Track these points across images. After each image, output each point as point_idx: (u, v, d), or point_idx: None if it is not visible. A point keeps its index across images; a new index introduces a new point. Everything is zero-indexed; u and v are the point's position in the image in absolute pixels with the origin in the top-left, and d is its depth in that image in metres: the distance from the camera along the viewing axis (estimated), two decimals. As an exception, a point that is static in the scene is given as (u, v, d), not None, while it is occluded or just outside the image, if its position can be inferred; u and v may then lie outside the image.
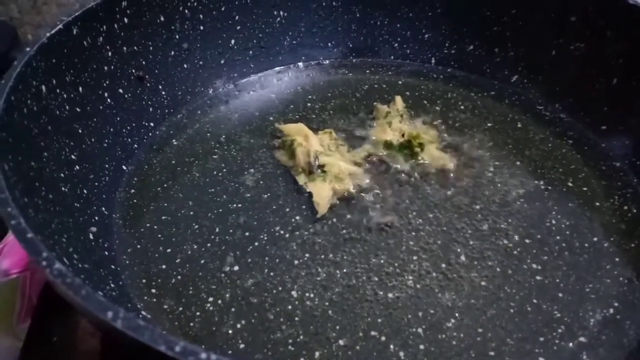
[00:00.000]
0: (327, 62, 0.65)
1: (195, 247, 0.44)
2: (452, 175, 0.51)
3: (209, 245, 0.44)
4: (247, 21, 0.61)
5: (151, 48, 0.54)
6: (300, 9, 0.63)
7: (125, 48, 0.51)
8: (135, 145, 0.53)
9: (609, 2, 0.54)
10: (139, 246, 0.44)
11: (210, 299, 0.40)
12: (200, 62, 0.59)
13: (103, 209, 0.45)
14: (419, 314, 0.40)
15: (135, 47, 0.52)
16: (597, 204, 0.49)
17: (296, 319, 0.39)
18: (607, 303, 0.41)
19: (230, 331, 0.38)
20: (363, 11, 0.64)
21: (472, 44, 0.63)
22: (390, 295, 0.41)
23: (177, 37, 0.56)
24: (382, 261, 0.43)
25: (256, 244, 0.44)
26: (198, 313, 0.40)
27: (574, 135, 0.56)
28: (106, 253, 0.43)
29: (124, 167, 0.50)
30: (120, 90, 0.51)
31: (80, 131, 0.46)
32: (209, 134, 0.55)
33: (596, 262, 0.44)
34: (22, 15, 0.76)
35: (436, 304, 0.40)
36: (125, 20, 0.50)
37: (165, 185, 0.50)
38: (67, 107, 0.44)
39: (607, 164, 0.52)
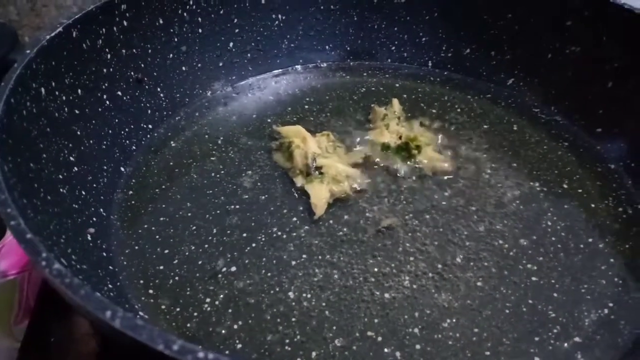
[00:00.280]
0: (325, 65, 0.66)
1: (193, 248, 0.44)
2: (448, 177, 0.51)
3: (206, 246, 0.45)
4: (246, 24, 0.61)
5: (150, 51, 0.54)
6: (298, 13, 0.63)
7: (124, 51, 0.52)
8: (134, 147, 0.53)
9: (605, 6, 0.54)
10: (136, 247, 0.44)
11: (208, 300, 0.41)
12: (199, 65, 0.59)
13: (101, 210, 0.46)
14: (415, 315, 0.40)
15: (134, 50, 0.53)
16: (592, 205, 0.49)
17: (293, 319, 0.39)
18: (602, 303, 0.41)
19: (227, 331, 0.39)
20: (361, 15, 0.65)
21: (468, 48, 0.64)
22: (386, 295, 0.41)
23: (175, 40, 0.57)
24: (378, 262, 0.43)
25: (253, 245, 0.45)
26: (195, 313, 0.40)
27: (569, 137, 0.56)
28: (104, 254, 0.43)
29: (122, 169, 0.51)
30: (119, 93, 0.52)
31: (79, 133, 0.46)
32: (207, 136, 0.55)
33: (591, 262, 0.44)
34: (21, 18, 0.76)
35: (432, 304, 0.41)
36: (125, 23, 0.51)
37: (163, 187, 0.50)
38: (66, 109, 0.44)
39: (602, 166, 0.53)
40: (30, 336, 0.43)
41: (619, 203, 0.49)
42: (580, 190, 0.50)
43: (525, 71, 0.61)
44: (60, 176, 0.42)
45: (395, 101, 0.58)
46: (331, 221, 0.47)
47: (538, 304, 0.41)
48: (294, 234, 0.45)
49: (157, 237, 0.45)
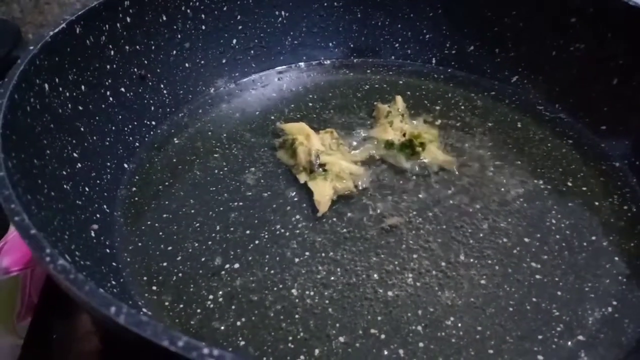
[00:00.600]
0: (328, 62, 0.66)
1: (196, 244, 0.44)
2: (452, 174, 0.51)
3: (209, 243, 0.45)
4: (249, 21, 0.61)
5: (153, 47, 0.54)
6: (301, 9, 0.63)
7: (127, 47, 0.51)
8: (137, 144, 0.53)
9: (609, 3, 0.54)
10: (140, 244, 0.44)
11: (211, 297, 0.41)
12: (202, 62, 0.59)
13: (105, 206, 0.46)
14: (419, 312, 0.40)
15: (137, 46, 0.53)
16: (597, 203, 0.49)
17: (296, 316, 0.39)
18: (606, 302, 0.41)
19: (230, 328, 0.39)
20: (364, 11, 0.65)
21: (472, 45, 0.64)
22: (390, 293, 0.41)
23: (179, 36, 0.57)
24: (382, 259, 0.43)
25: (256, 242, 0.45)
26: (199, 310, 0.40)
27: (573, 135, 0.56)
28: (107, 250, 0.43)
29: (126, 165, 0.51)
30: (123, 89, 0.52)
31: (82, 129, 0.46)
32: (210, 133, 0.55)
33: (595, 261, 0.44)
34: (25, 15, 0.76)
35: (436, 302, 0.40)
36: (128, 19, 0.51)
37: (166, 184, 0.50)
38: (69, 106, 0.44)
39: (606, 164, 0.53)
40: (32, 333, 0.43)
41: (623, 201, 0.49)
42: (584, 188, 0.50)
43: (530, 68, 0.61)
44: (64, 172, 0.42)
45: (398, 98, 0.58)
46: (334, 218, 0.47)
47: (542, 302, 0.41)
48: (297, 231, 0.45)
49: (161, 233, 0.45)
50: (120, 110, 0.51)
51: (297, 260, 0.43)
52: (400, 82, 0.63)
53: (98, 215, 0.44)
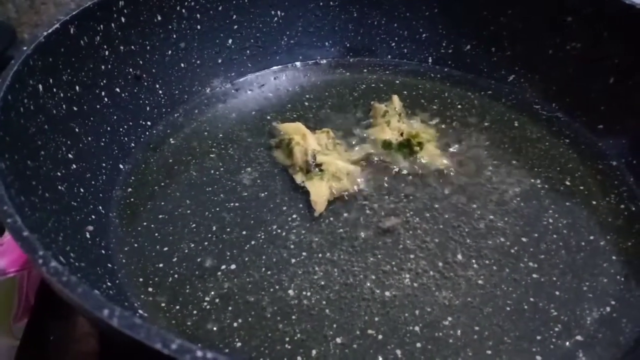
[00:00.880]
0: (325, 61, 0.65)
1: (192, 245, 0.44)
2: (449, 174, 0.51)
3: (205, 243, 0.44)
4: (245, 20, 0.61)
5: (148, 47, 0.54)
6: (297, 9, 0.63)
7: (122, 47, 0.51)
8: (132, 144, 0.53)
9: (606, 2, 0.54)
10: (135, 245, 0.44)
11: (207, 298, 0.40)
12: (198, 62, 0.59)
13: (100, 207, 0.45)
14: (416, 313, 0.40)
15: (132, 47, 0.52)
16: (594, 202, 0.49)
17: (293, 317, 0.39)
18: (604, 301, 0.41)
19: (226, 329, 0.38)
20: (360, 11, 0.65)
21: (469, 44, 0.64)
22: (387, 293, 0.41)
23: (174, 36, 0.56)
24: (379, 260, 0.43)
25: (253, 242, 0.44)
26: (195, 311, 0.40)
27: (570, 134, 0.56)
28: (103, 252, 0.43)
29: (121, 166, 0.50)
30: (118, 90, 0.51)
31: (77, 130, 0.46)
32: (206, 133, 0.55)
33: (593, 260, 0.44)
34: (20, 15, 0.76)
35: (433, 302, 0.40)
36: (123, 19, 0.50)
37: (162, 184, 0.50)
38: (64, 106, 0.44)
39: (603, 163, 0.53)
40: (29, 334, 0.43)
41: (620, 200, 0.49)
42: (581, 188, 0.50)
43: (526, 68, 0.61)
44: (59, 173, 0.42)
45: (395, 98, 0.58)
46: (331, 219, 0.46)
47: (539, 302, 0.41)
48: (294, 231, 0.45)
49: (156, 234, 0.45)
50: (115, 110, 0.51)
51: (293, 260, 0.43)
52: (397, 81, 0.63)
53: (93, 217, 0.44)
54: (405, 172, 0.51)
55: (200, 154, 0.53)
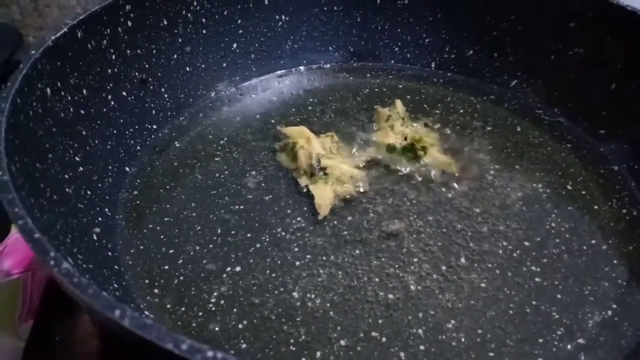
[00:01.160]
0: (329, 65, 0.66)
1: (198, 248, 0.44)
2: (452, 178, 0.51)
3: (211, 246, 0.45)
4: (249, 25, 0.61)
5: (154, 51, 0.55)
6: (302, 13, 0.63)
7: (128, 51, 0.52)
8: (138, 147, 0.53)
9: (607, 8, 0.54)
10: (141, 247, 0.45)
11: (212, 299, 0.41)
12: (203, 66, 0.60)
13: (106, 210, 0.46)
14: (420, 315, 0.40)
15: (138, 51, 0.53)
16: (596, 207, 0.49)
17: (297, 319, 0.40)
18: (606, 305, 0.41)
19: (231, 331, 0.39)
20: (364, 16, 0.65)
21: (471, 49, 0.64)
22: (390, 296, 0.41)
23: (179, 40, 0.57)
24: (382, 263, 0.43)
25: (258, 245, 0.45)
26: (200, 313, 0.40)
27: (572, 139, 0.56)
28: (109, 253, 0.43)
29: (127, 169, 0.51)
30: (124, 93, 0.52)
31: (84, 133, 0.46)
32: (211, 136, 0.56)
33: (594, 264, 0.44)
34: (24, 18, 0.76)
35: (436, 305, 0.41)
36: (129, 23, 0.51)
37: (167, 187, 0.50)
38: (71, 110, 0.45)
39: (605, 168, 0.53)
40: (34, 335, 0.43)
41: (622, 205, 0.49)
42: (583, 192, 0.50)
43: (529, 73, 0.61)
44: (66, 176, 0.42)
45: (398, 102, 0.58)
46: (335, 222, 0.47)
47: (542, 305, 0.41)
48: (298, 234, 0.46)
49: (162, 236, 0.45)
50: (121, 114, 0.51)
51: (298, 263, 0.43)
52: (400, 86, 0.63)
53: (100, 219, 0.44)
54: (408, 176, 0.51)
55: (205, 157, 0.53)
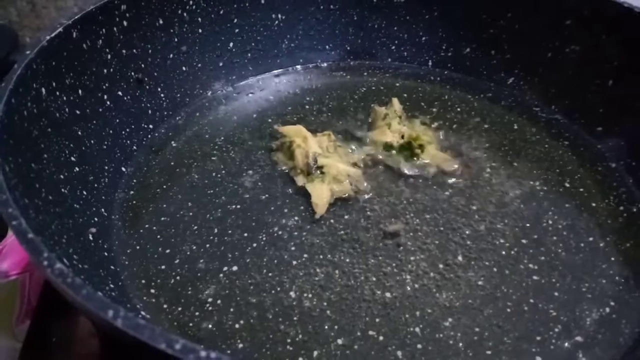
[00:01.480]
0: (325, 64, 0.66)
1: (194, 247, 0.44)
2: (449, 176, 0.51)
3: (207, 246, 0.45)
4: (246, 24, 0.61)
5: (150, 51, 0.55)
6: (298, 12, 0.63)
7: (124, 51, 0.52)
8: (134, 147, 0.53)
9: (604, 5, 0.54)
10: (138, 247, 0.44)
11: (209, 299, 0.41)
12: (199, 65, 0.60)
13: (102, 210, 0.46)
14: (417, 314, 0.40)
15: (134, 50, 0.53)
16: (593, 204, 0.49)
17: (295, 318, 0.39)
18: (603, 302, 0.41)
19: (228, 331, 0.39)
20: (361, 14, 0.65)
21: (468, 47, 0.64)
22: (388, 295, 0.41)
23: (175, 40, 0.57)
24: (379, 261, 0.43)
25: (255, 244, 0.45)
26: (197, 313, 0.40)
27: (569, 136, 0.56)
28: (106, 254, 0.43)
29: (123, 169, 0.51)
30: (120, 93, 0.52)
31: (79, 133, 0.46)
32: (207, 136, 0.56)
33: (592, 261, 0.44)
34: (21, 19, 0.76)
35: (434, 303, 0.41)
36: (125, 23, 0.51)
37: (164, 187, 0.50)
38: (66, 110, 0.44)
39: (602, 165, 0.53)
40: (31, 336, 0.43)
41: (619, 202, 0.49)
42: (581, 189, 0.50)
43: (525, 70, 0.61)
44: (62, 176, 0.42)
45: (395, 101, 0.58)
46: (332, 221, 0.47)
47: (539, 303, 0.41)
48: (295, 233, 0.46)
49: (159, 236, 0.45)
50: (117, 113, 0.51)
51: (295, 262, 0.43)
52: (397, 84, 0.63)
53: (96, 219, 0.44)
54: (405, 174, 0.51)
55: (201, 156, 0.53)
